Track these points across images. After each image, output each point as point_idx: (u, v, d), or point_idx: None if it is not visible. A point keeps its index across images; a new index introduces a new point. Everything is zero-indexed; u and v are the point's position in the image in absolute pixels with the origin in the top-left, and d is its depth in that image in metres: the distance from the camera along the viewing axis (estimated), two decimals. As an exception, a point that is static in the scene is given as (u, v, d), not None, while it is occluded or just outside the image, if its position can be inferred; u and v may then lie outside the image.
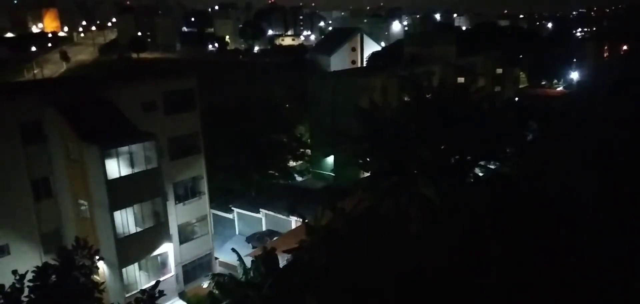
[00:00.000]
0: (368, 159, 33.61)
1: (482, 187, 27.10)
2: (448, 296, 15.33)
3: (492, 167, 30.83)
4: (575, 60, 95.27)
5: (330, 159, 53.00)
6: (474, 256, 16.74)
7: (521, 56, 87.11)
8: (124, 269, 27.46)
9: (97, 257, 23.13)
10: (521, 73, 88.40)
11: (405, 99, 38.13)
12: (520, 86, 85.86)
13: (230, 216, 43.02)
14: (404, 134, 30.09)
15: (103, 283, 21.73)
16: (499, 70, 73.17)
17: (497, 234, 17.96)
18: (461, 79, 58.21)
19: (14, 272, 19.40)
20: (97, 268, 22.07)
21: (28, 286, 19.36)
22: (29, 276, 19.55)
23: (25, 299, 19.03)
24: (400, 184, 28.36)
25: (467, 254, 17.07)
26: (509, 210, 20.18)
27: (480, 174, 30.42)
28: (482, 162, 30.93)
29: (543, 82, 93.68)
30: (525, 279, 14.02)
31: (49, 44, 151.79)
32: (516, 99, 70.30)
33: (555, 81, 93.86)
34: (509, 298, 14.15)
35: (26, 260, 25.53)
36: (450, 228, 21.55)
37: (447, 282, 15.74)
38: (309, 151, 55.26)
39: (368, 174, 34.55)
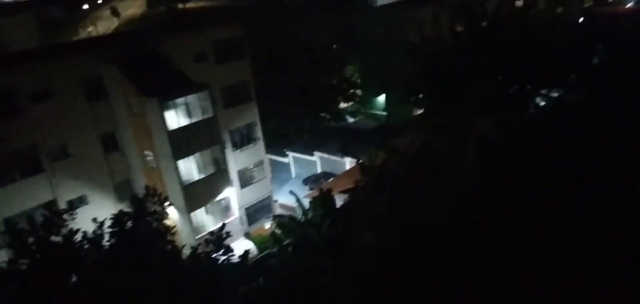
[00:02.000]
0: (420, 96, 32.78)
1: (545, 118, 25.79)
2: (504, 239, 14.90)
3: (555, 95, 29.17)
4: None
5: (381, 98, 52.30)
6: (536, 193, 16.11)
7: (586, -29, 79.51)
8: (192, 214, 29.27)
9: (167, 203, 24.61)
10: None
11: (458, 29, 36.31)
12: (586, 5, 79.07)
13: (285, 160, 44.05)
14: (458, 66, 28.86)
15: (174, 226, 23.23)
16: (562, -11, 67.48)
17: (561, 167, 17.18)
18: (519, 2, 54.25)
19: (94, 219, 21.09)
20: (167, 214, 23.52)
21: (108, 232, 21.04)
22: (108, 222, 21.19)
23: (107, 244, 20.74)
24: (455, 119, 27.58)
25: (528, 191, 16.44)
26: (574, 140, 19.12)
27: (542, 104, 28.94)
28: (543, 91, 29.32)
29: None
30: (596, 220, 13.16)
31: (99, 1, 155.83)
32: (581, 19, 64.98)
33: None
34: (575, 237, 13.52)
35: (103, 209, 27.76)
36: (509, 162, 20.83)
37: (504, 225, 15.28)
38: (359, 92, 54.68)
39: (421, 111, 33.81)
